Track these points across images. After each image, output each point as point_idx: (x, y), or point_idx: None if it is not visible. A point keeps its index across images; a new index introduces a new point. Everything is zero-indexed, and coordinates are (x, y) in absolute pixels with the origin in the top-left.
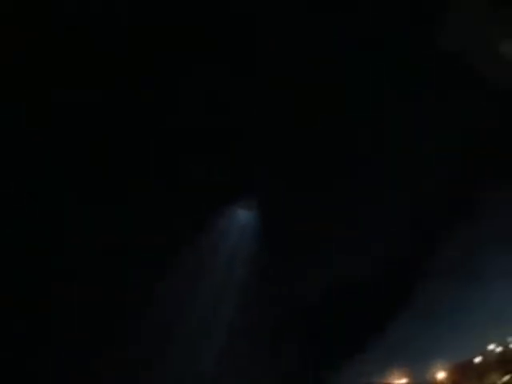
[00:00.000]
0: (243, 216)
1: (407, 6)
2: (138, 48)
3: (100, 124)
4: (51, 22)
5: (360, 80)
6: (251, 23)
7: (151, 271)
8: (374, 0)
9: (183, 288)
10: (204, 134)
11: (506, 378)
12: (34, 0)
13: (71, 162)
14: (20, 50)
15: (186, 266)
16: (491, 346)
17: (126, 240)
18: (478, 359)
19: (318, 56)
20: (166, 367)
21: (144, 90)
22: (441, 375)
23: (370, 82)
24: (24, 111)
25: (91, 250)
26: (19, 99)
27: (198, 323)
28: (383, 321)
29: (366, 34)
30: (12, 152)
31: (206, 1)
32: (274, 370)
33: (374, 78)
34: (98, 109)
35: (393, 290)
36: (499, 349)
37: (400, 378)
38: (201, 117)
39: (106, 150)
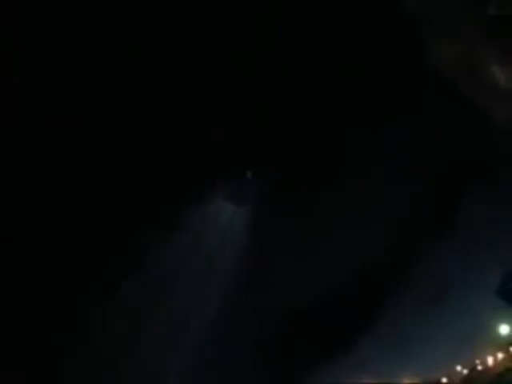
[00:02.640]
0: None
1: None
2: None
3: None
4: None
5: None
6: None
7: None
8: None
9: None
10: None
11: None
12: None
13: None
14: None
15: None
16: (458, 368)
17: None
18: (444, 380)
19: None
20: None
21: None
22: None
23: None
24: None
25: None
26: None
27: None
28: (352, 335)
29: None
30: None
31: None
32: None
33: None
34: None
35: (364, 306)
36: (465, 371)
37: None
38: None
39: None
